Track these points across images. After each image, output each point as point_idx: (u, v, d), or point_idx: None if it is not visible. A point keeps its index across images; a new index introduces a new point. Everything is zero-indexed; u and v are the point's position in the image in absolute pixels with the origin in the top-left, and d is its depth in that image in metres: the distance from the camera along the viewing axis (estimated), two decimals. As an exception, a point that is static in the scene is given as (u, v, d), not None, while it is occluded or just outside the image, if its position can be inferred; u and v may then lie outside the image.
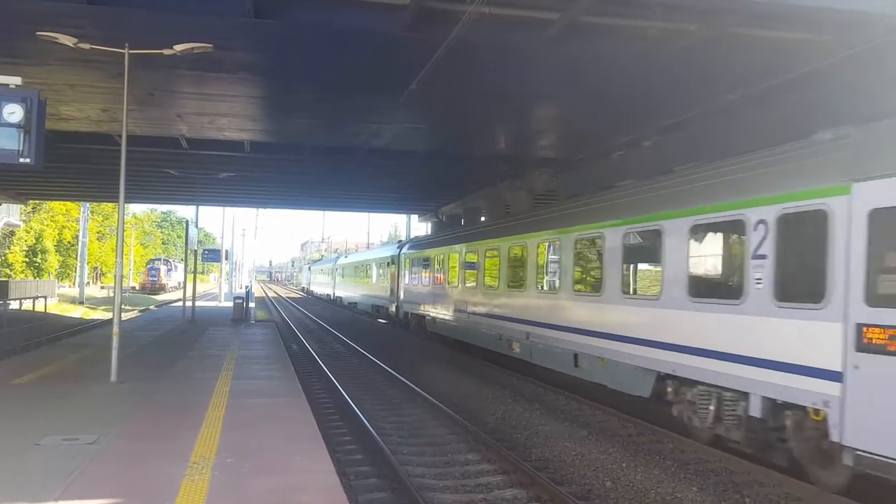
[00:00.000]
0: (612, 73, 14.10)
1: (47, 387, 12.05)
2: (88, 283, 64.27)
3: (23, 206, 52.00)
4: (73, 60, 13.21)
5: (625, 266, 12.40)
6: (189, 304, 30.16)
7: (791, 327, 8.36)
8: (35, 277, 54.20)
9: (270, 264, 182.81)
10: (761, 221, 8.87)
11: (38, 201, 53.70)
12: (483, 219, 30.56)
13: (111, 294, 46.70)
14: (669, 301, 10.69)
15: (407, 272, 29.52)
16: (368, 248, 63.36)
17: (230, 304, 33.59)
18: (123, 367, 12.63)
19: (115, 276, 14.81)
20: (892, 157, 7.40)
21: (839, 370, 7.57)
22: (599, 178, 18.28)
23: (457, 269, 22.21)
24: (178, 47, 11.96)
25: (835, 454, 7.87)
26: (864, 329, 7.32)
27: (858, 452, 7.33)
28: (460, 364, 19.30)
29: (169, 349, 17.89)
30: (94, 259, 71.94)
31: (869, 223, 7.38)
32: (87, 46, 11.74)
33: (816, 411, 7.94)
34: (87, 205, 55.17)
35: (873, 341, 7.23)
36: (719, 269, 10.42)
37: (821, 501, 8.19)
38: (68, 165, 25.53)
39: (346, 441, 10.80)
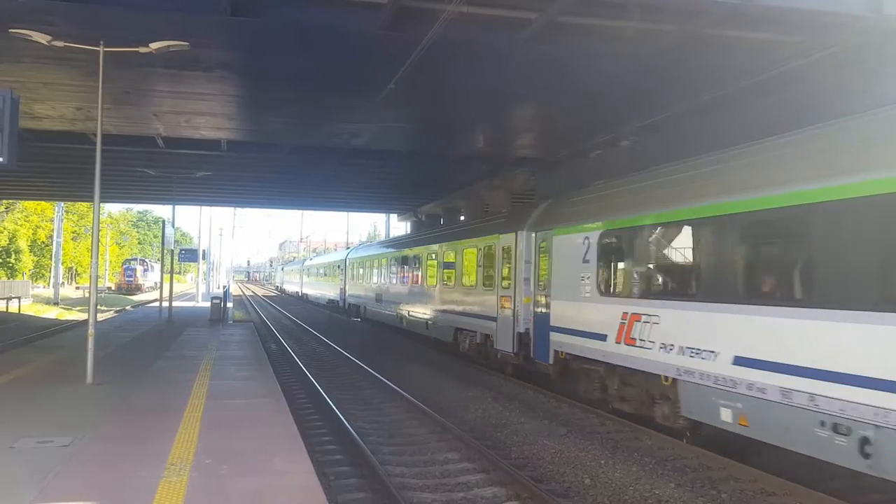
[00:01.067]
0: (591, 72, 14.18)
1: (21, 389, 11.89)
2: (63, 283, 63.54)
3: (-4, 205, 51.31)
4: (47, 58, 13.06)
5: (445, 270, 21.33)
6: (166, 304, 29.91)
7: (486, 299, 17.40)
8: (8, 278, 53.46)
9: (248, 264, 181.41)
10: (480, 248, 18.33)
11: (11, 201, 52.95)
12: (462, 218, 31.75)
13: (86, 294, 46.23)
14: (457, 289, 20.09)
15: (350, 273, 39.12)
16: (348, 247, 63.88)
17: (207, 304, 33.33)
18: (99, 369, 12.50)
19: (90, 276, 14.64)
20: (510, 224, 16.49)
21: (496, 317, 16.63)
22: (577, 178, 18.82)
23: (374, 272, 32.24)
24: (154, 45, 11.83)
25: (494, 354, 16.74)
26: (501, 297, 16.42)
27: (499, 351, 16.35)
28: (439, 364, 19.34)
29: (146, 350, 17.71)
30: (68, 259, 70.99)
31: (502, 252, 16.58)
32: (61, 44, 11.57)
33: (491, 336, 16.92)
34: (62, 204, 54.45)
35: (502, 303, 16.28)
36: (473, 271, 18.96)
37: (794, 496, 8.30)
38: (42, 165, 25.25)
39: (325, 441, 10.76)
